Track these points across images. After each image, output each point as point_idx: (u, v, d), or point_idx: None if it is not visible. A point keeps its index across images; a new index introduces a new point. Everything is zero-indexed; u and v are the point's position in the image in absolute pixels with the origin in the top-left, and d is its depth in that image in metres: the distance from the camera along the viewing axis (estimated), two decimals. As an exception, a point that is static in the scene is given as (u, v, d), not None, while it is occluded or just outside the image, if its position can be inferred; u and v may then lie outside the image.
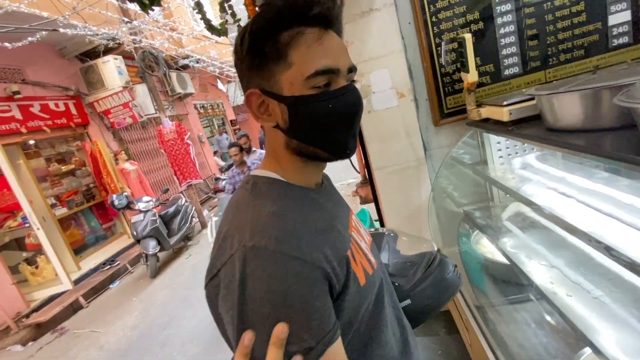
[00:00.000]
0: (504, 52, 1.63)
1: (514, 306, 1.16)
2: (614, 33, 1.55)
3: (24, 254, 4.36)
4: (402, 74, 1.66)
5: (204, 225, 5.84)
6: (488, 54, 1.64)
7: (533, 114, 1.16)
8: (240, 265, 0.42)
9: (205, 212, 6.42)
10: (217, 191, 6.32)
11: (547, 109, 0.98)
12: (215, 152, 9.05)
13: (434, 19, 1.63)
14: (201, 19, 1.93)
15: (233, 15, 1.84)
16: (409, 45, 1.67)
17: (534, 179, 1.33)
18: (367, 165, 1.88)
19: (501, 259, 1.22)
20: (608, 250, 0.84)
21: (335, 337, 0.43)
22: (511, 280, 1.15)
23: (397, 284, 0.69)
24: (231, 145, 3.61)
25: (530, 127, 1.12)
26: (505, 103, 1.20)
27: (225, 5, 1.85)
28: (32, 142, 4.67)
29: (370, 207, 2.23)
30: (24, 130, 4.26)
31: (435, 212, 1.85)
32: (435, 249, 0.77)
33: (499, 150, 1.54)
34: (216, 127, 10.13)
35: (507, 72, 1.66)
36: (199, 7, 1.91)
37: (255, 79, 0.50)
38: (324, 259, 0.44)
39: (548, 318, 1.13)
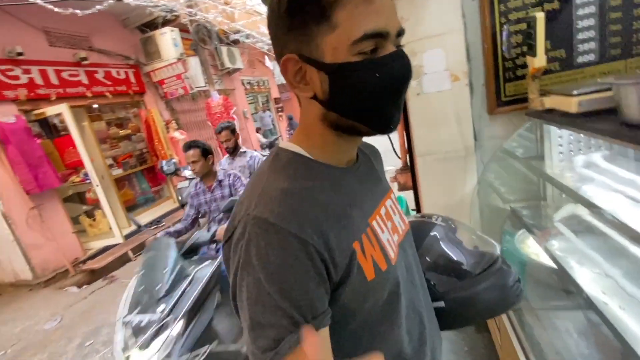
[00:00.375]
0: (580, 36, 1.46)
1: (555, 312, 1.08)
2: None
3: (84, 207, 4.84)
4: (459, 55, 1.55)
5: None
6: (560, 37, 1.47)
7: (607, 107, 1.04)
8: (243, 231, 0.42)
9: (244, 186, 6.65)
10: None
11: (628, 101, 0.86)
12: (258, 129, 9.27)
13: (501, -4, 1.49)
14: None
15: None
16: (469, 25, 1.55)
17: (598, 180, 1.20)
18: (409, 150, 1.82)
19: (547, 261, 1.13)
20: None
21: (324, 323, 0.42)
22: (555, 285, 1.07)
23: (432, 282, 0.64)
24: (188, 145, 2.21)
25: (603, 120, 1.00)
26: (575, 92, 1.08)
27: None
28: (95, 106, 5.07)
29: (409, 195, 2.17)
30: (89, 94, 4.63)
31: (479, 207, 1.76)
32: (498, 252, 0.68)
33: (560, 145, 1.41)
34: (260, 104, 10.32)
35: (580, 59, 1.49)
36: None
37: (292, 43, 0.45)
38: (324, 245, 0.42)
39: (593, 329, 1.04)
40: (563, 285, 1.03)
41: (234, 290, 0.44)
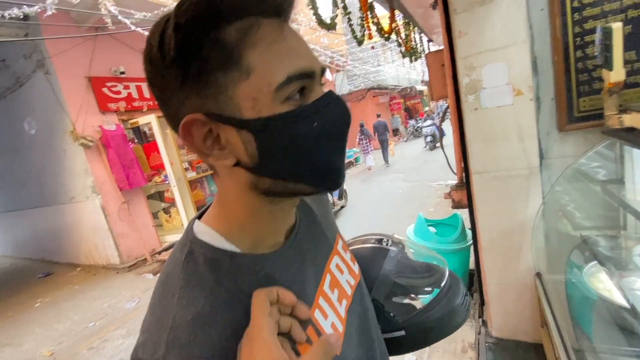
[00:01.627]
0: (677, 44, 1.27)
1: (624, 359, 0.94)
2: None
3: (163, 205, 5.49)
4: (524, 68, 1.46)
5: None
6: (650, 46, 1.30)
7: (703, 127, 0.89)
8: None
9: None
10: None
11: None
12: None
13: (575, 4, 1.37)
14: (314, 14, 2.03)
15: (345, 8, 1.89)
16: (537, 36, 1.45)
17: (692, 211, 1.03)
18: (465, 167, 1.74)
19: (620, 300, 0.99)
20: None
21: None
22: (627, 328, 0.93)
23: (392, 314, 0.62)
24: None
25: (694, 143, 0.87)
26: (659, 110, 0.95)
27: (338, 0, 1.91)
28: (177, 115, 5.75)
29: (464, 213, 2.06)
30: (173, 105, 5.28)
31: (544, 231, 1.60)
32: (447, 268, 0.66)
33: (645, 168, 1.23)
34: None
35: (676, 71, 1.29)
36: (312, 2, 2.02)
37: (192, 99, 0.34)
38: None
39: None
40: (636, 329, 0.90)
41: None
